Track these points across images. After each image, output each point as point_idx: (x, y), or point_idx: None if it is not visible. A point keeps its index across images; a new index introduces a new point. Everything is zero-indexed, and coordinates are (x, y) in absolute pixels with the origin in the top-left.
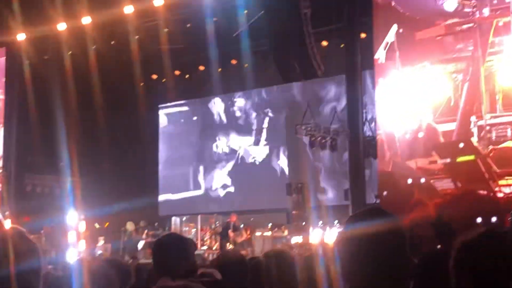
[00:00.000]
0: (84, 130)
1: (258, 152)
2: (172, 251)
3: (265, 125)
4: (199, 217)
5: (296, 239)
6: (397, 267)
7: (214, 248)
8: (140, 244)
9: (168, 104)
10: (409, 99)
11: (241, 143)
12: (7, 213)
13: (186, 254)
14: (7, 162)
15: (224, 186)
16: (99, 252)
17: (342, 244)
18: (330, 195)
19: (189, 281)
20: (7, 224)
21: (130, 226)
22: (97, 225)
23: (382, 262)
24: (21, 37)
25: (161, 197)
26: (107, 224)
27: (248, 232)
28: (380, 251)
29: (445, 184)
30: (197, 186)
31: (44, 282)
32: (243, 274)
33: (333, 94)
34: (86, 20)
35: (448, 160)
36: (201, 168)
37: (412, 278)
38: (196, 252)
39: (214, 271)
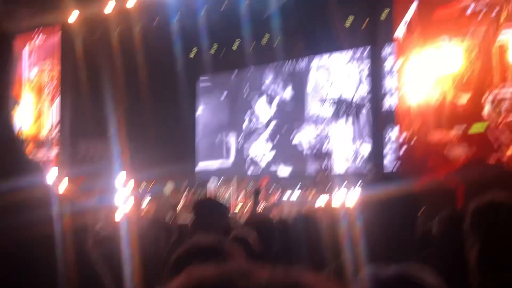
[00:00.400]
0: (130, 102)
1: (285, 122)
2: (208, 213)
3: (293, 96)
4: (234, 179)
5: (321, 202)
6: (409, 229)
7: (246, 209)
8: (180, 205)
9: (206, 77)
10: (426, 73)
11: (270, 113)
12: (64, 174)
13: (220, 216)
14: (62, 129)
15: (257, 153)
16: (145, 211)
17: (360, 207)
18: (352, 162)
19: (222, 238)
20: (64, 184)
21: (169, 186)
22: (142, 186)
23: (395, 224)
24: (73, 16)
25: (199, 162)
26: (151, 184)
27: (277, 195)
28: (394, 214)
29: (457, 153)
30: (231, 153)
31: (94, 240)
32: (270, 235)
33: (356, 67)
34: (131, 2)
35: (461, 130)
36: (236, 137)
37: (427, 241)
38: (230, 214)
39: (247, 230)
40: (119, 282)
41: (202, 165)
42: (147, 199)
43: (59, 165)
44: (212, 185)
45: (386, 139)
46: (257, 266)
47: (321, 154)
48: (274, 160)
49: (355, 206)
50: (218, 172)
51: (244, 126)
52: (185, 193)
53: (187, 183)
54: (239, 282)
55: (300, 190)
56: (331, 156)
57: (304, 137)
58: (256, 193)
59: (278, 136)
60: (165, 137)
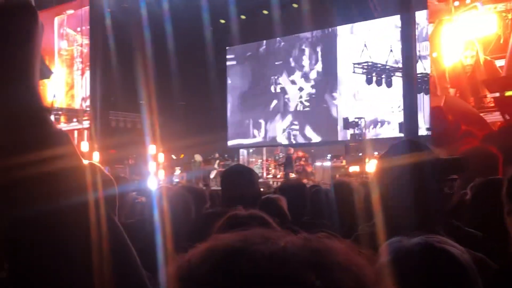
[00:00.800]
0: (159, 73)
1: (316, 90)
2: (238, 180)
3: (323, 64)
4: (264, 149)
5: (354, 169)
6: (428, 196)
7: (278, 176)
8: (213, 173)
9: (235, 46)
10: (460, 37)
11: (301, 83)
12: (95, 145)
13: (250, 182)
14: (94, 101)
15: (286, 124)
16: (176, 180)
17: (379, 172)
18: (385, 128)
19: (257, 211)
20: (96, 156)
21: (198, 157)
22: (173, 157)
23: (413, 191)
24: None
25: (229, 137)
26: (182, 155)
27: (308, 163)
28: (412, 180)
29: (494, 117)
30: (262, 127)
31: (129, 207)
32: (303, 199)
33: (388, 33)
34: None
35: (497, 94)
36: (265, 109)
37: (461, 208)
38: (262, 180)
39: (278, 196)
40: (150, 251)
41: (233, 139)
42: (179, 168)
43: (91, 136)
44: (243, 156)
45: (420, 104)
46: (281, 232)
47: (353, 122)
48: (305, 130)
49: (383, 172)
50: (249, 145)
51: (273, 97)
52: (217, 162)
53: (220, 151)
54: (257, 247)
55: (332, 159)
56: (363, 123)
57: (336, 105)
58: (288, 161)
59: (309, 106)
60: (195, 109)
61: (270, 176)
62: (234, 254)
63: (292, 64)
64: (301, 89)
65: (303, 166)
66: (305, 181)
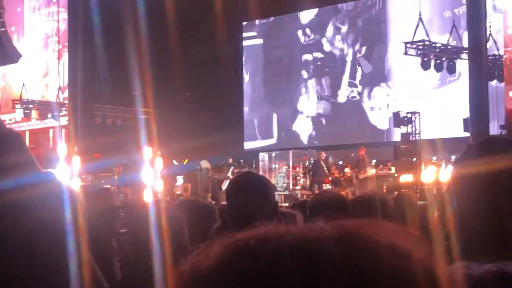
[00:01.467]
0: (157, 56)
1: (357, 78)
2: (248, 192)
3: (366, 44)
4: (290, 153)
5: (405, 178)
6: (508, 214)
7: (308, 186)
8: (225, 184)
9: (254, 21)
10: None
11: (337, 68)
12: (75, 148)
13: (264, 195)
14: (74, 91)
15: (319, 118)
16: (178, 192)
17: (455, 183)
18: (446, 126)
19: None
20: (76, 162)
21: (205, 164)
22: (175, 162)
23: (502, 207)
24: None
25: (247, 131)
26: (186, 160)
27: (349, 171)
28: (501, 192)
29: None
30: (280, 127)
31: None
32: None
33: (451, 2)
34: None
35: None
36: (291, 104)
37: None
38: (287, 192)
39: (296, 213)
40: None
41: (251, 141)
42: (182, 176)
43: (70, 137)
44: (263, 161)
45: (492, 95)
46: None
47: (405, 117)
48: (342, 129)
49: (450, 182)
50: (271, 148)
51: (301, 86)
52: (230, 170)
53: (232, 159)
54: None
55: (377, 165)
56: (418, 119)
57: (382, 97)
58: (316, 166)
59: (347, 98)
60: (202, 103)
61: (298, 187)
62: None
63: (326, 44)
64: (337, 76)
65: (344, 174)
66: (345, 192)
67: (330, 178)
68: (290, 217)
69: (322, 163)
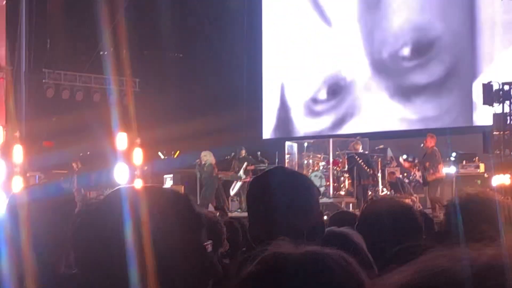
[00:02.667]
0: (139, 2)
1: (426, 34)
2: (281, 196)
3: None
4: (330, 141)
5: (500, 180)
6: None
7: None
8: (235, 187)
9: None
10: None
11: (397, 19)
12: (16, 134)
13: (305, 201)
14: (16, 53)
15: (371, 95)
16: None
17: None
18: None
19: (317, 247)
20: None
21: (208, 156)
22: (161, 155)
23: None
24: None
25: (267, 113)
26: (177, 153)
27: (415, 166)
28: None
29: None
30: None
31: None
32: (414, 234)
33: None
34: None
35: None
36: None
37: None
38: (326, 199)
39: (352, 233)
40: None
41: (272, 127)
42: (170, 175)
43: (8, 116)
44: (290, 154)
45: None
46: None
47: (501, 90)
48: (405, 110)
49: None
50: (302, 136)
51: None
52: (243, 167)
53: (245, 151)
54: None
55: (458, 161)
56: None
57: (467, 63)
58: (364, 161)
59: (411, 65)
60: (201, 69)
61: (342, 192)
62: None
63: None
64: (395, 35)
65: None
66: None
67: (374, 179)
68: (343, 239)
69: (358, 159)
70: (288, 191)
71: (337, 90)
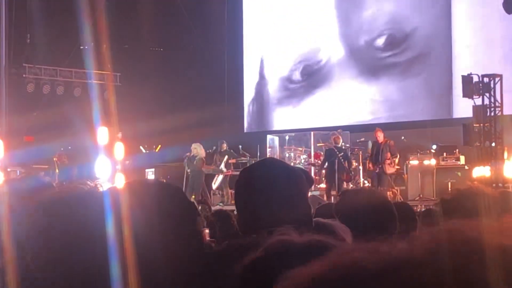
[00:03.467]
0: (116, 2)
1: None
2: (270, 191)
3: None
4: (311, 134)
5: (480, 172)
6: None
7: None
8: (217, 180)
9: None
10: None
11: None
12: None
13: (291, 196)
14: None
15: (351, 86)
16: None
17: None
18: None
19: (321, 235)
20: None
21: (198, 149)
22: (143, 149)
23: None
24: None
25: (249, 107)
26: (159, 147)
27: (397, 160)
28: None
29: None
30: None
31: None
32: (390, 228)
33: None
34: None
35: None
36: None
37: None
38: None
39: (338, 224)
40: None
41: (254, 122)
42: (152, 170)
43: None
44: (272, 147)
45: None
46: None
47: (480, 82)
48: (387, 101)
49: None
50: (284, 130)
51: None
52: (223, 160)
53: (227, 144)
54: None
55: (438, 153)
56: (499, 86)
57: (447, 54)
58: (341, 153)
59: (392, 56)
60: (182, 62)
61: (323, 185)
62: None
63: None
64: (371, 24)
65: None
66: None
67: (348, 175)
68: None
69: (336, 151)
70: (275, 182)
71: (317, 80)
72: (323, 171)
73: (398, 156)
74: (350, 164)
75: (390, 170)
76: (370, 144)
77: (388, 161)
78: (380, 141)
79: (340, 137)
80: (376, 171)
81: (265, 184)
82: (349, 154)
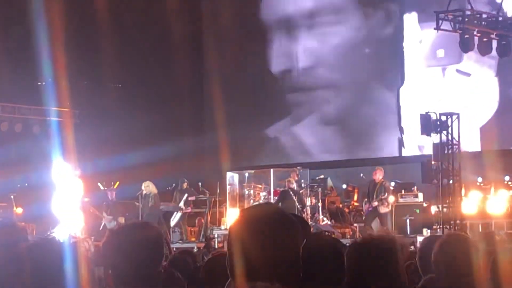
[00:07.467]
0: (76, 30)
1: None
2: (268, 240)
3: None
4: (271, 171)
5: (438, 209)
6: None
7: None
8: (176, 218)
9: None
10: None
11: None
12: None
13: (287, 238)
14: None
15: (309, 125)
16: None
17: None
18: (497, 133)
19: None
20: None
21: (150, 187)
22: (101, 186)
23: None
24: None
25: (207, 141)
26: (117, 183)
27: (355, 198)
28: None
29: None
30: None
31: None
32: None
33: None
34: None
35: None
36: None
37: None
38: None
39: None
40: None
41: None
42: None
43: None
44: (232, 184)
45: None
46: None
47: (438, 121)
48: (344, 141)
49: None
50: (245, 155)
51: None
52: (183, 198)
53: (187, 183)
54: None
55: (397, 190)
56: (456, 124)
57: (398, 94)
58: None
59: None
60: (144, 100)
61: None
62: None
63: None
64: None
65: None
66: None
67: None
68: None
69: (290, 191)
70: (271, 233)
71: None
72: None
73: (393, 198)
74: (303, 206)
75: (383, 210)
76: (329, 181)
77: (382, 201)
78: (376, 181)
79: (296, 173)
80: (369, 209)
81: (256, 231)
82: (302, 197)
